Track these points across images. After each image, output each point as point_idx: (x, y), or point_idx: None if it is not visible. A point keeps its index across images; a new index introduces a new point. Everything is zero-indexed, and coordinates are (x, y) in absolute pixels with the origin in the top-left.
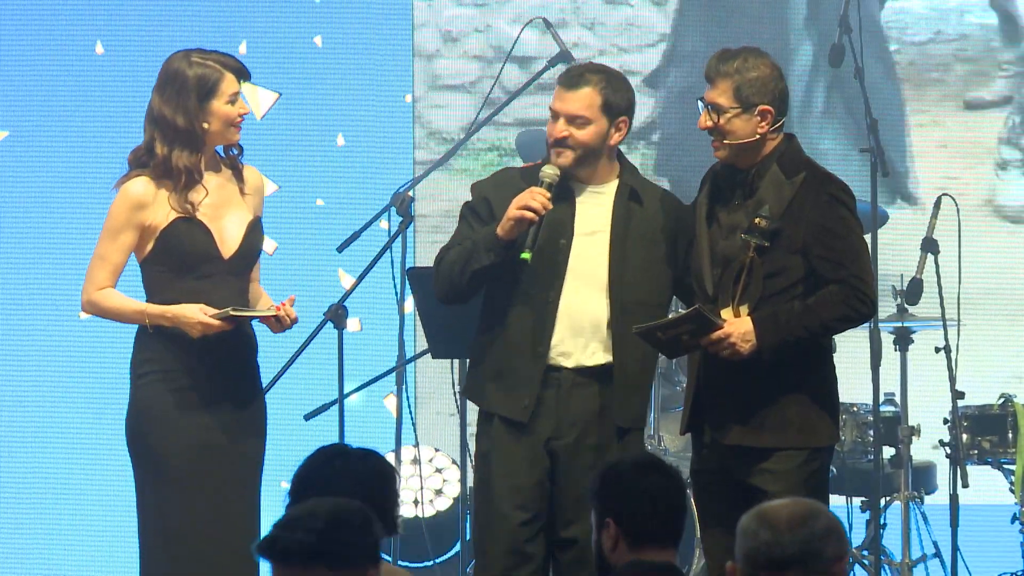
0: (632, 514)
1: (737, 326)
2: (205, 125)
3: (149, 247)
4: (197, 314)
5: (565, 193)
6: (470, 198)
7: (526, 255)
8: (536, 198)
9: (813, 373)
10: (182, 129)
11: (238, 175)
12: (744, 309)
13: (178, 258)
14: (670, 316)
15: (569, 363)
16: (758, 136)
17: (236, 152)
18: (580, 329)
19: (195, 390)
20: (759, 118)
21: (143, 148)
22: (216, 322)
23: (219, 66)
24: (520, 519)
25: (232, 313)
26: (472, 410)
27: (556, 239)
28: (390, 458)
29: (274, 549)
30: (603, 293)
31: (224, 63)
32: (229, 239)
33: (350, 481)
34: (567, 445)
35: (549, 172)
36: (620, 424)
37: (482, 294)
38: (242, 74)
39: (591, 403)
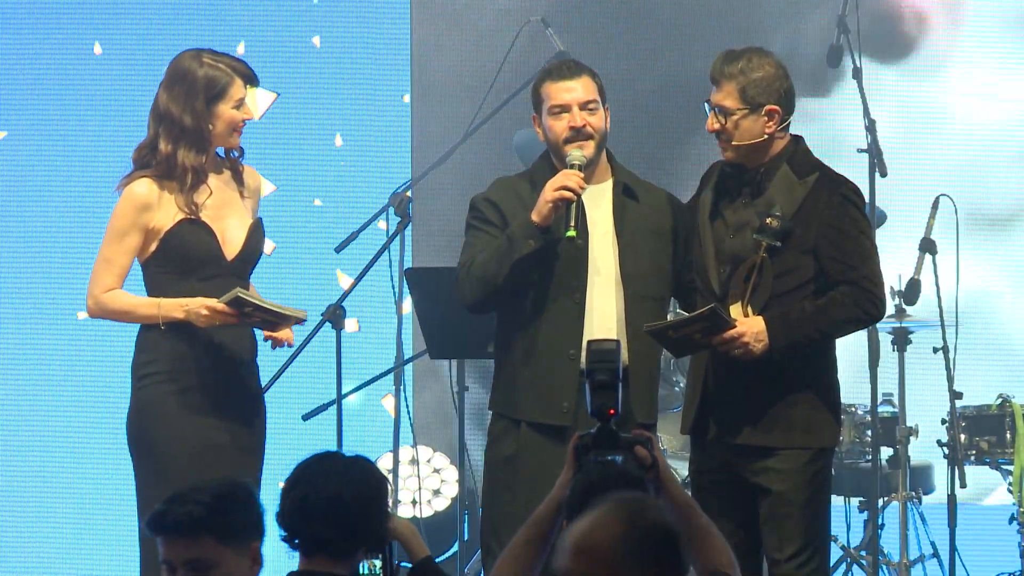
0: None
1: (750, 326)
2: (210, 127)
3: (152, 248)
4: (205, 300)
5: None
6: (472, 205)
7: (572, 233)
8: (571, 178)
9: (820, 374)
10: (189, 128)
11: (238, 177)
12: (751, 308)
13: (182, 259)
14: (676, 314)
15: None
16: (766, 136)
17: (237, 155)
18: (606, 329)
19: (196, 391)
20: (766, 118)
21: (146, 145)
22: (221, 306)
23: (229, 70)
24: None
25: (239, 295)
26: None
27: (573, 240)
28: (388, 458)
29: (164, 522)
30: (616, 290)
31: (234, 67)
32: (232, 240)
33: (336, 479)
34: None
35: (577, 155)
36: (640, 420)
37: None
38: (251, 80)
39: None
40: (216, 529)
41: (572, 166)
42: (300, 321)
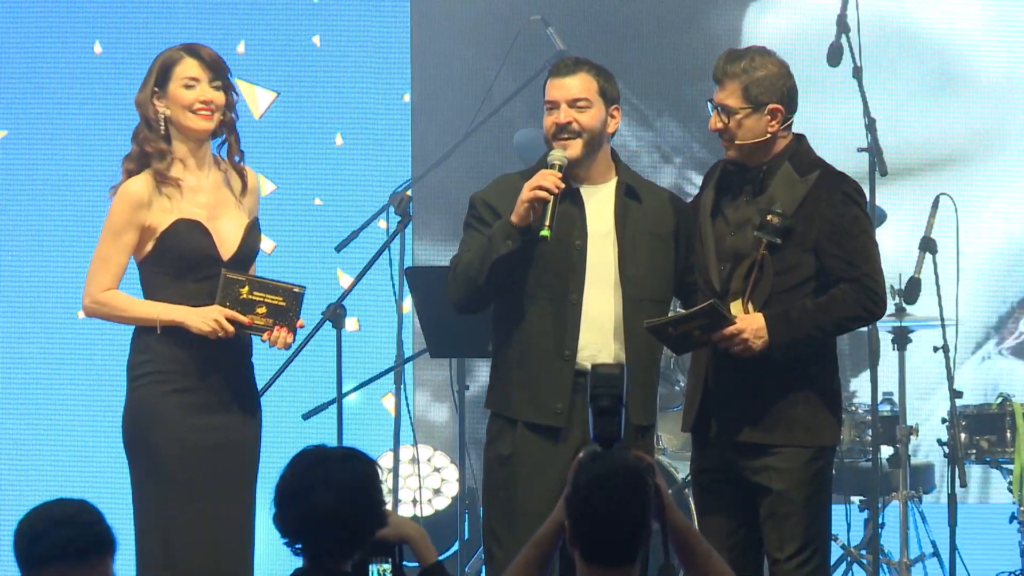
0: (584, 533)
1: (750, 322)
2: (165, 111)
3: (149, 248)
4: (208, 314)
5: (571, 194)
6: (471, 203)
7: (545, 232)
8: (548, 178)
9: (822, 372)
10: (146, 117)
11: (235, 176)
12: (751, 305)
13: (178, 260)
14: (679, 311)
15: None
16: (769, 135)
17: (238, 159)
18: (602, 330)
19: (191, 391)
20: (769, 117)
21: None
22: (223, 322)
23: (182, 51)
24: None
25: (226, 275)
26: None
27: (571, 240)
28: (388, 457)
29: (75, 547)
30: (614, 292)
31: (188, 48)
32: (228, 240)
33: (335, 489)
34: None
35: (558, 155)
36: (637, 422)
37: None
38: (202, 59)
39: None
40: (114, 547)
41: (552, 166)
42: (298, 296)
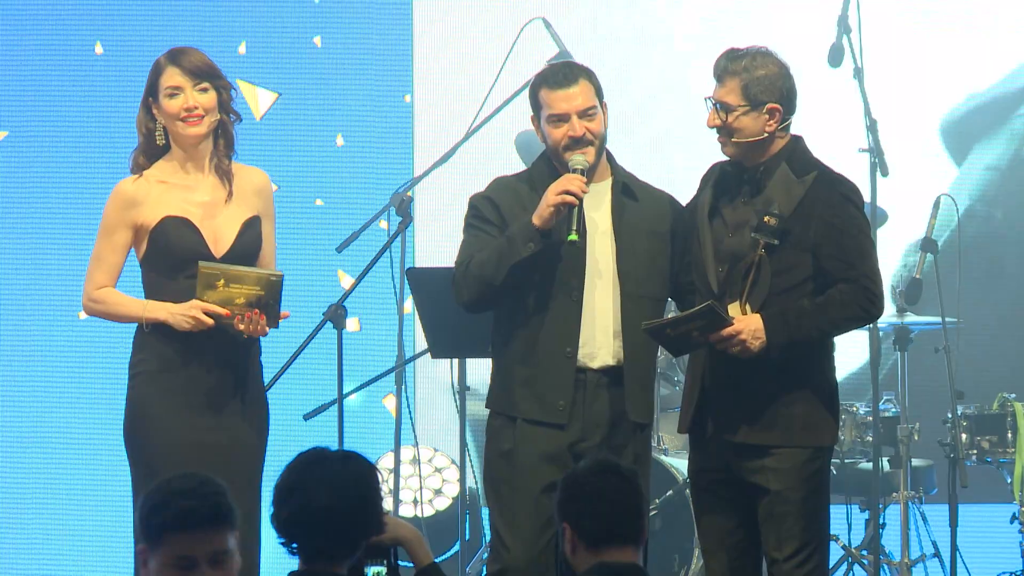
0: (587, 516)
1: (747, 323)
2: (162, 121)
3: (144, 247)
4: (189, 310)
5: None
6: (471, 204)
7: (573, 237)
8: (574, 182)
9: (819, 373)
10: (143, 137)
11: (243, 175)
12: (749, 307)
13: (167, 257)
14: (678, 313)
15: (594, 364)
16: (766, 134)
17: (228, 162)
18: (602, 327)
19: (189, 390)
20: (767, 116)
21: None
22: (202, 316)
23: (165, 59)
24: (549, 515)
25: (202, 267)
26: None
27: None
28: (389, 458)
29: (198, 514)
30: (613, 289)
31: (171, 55)
32: (223, 238)
33: (331, 487)
34: (593, 447)
35: (580, 159)
36: (636, 420)
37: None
38: (181, 66)
39: (614, 403)
40: (232, 521)
41: (575, 171)
42: (276, 283)
